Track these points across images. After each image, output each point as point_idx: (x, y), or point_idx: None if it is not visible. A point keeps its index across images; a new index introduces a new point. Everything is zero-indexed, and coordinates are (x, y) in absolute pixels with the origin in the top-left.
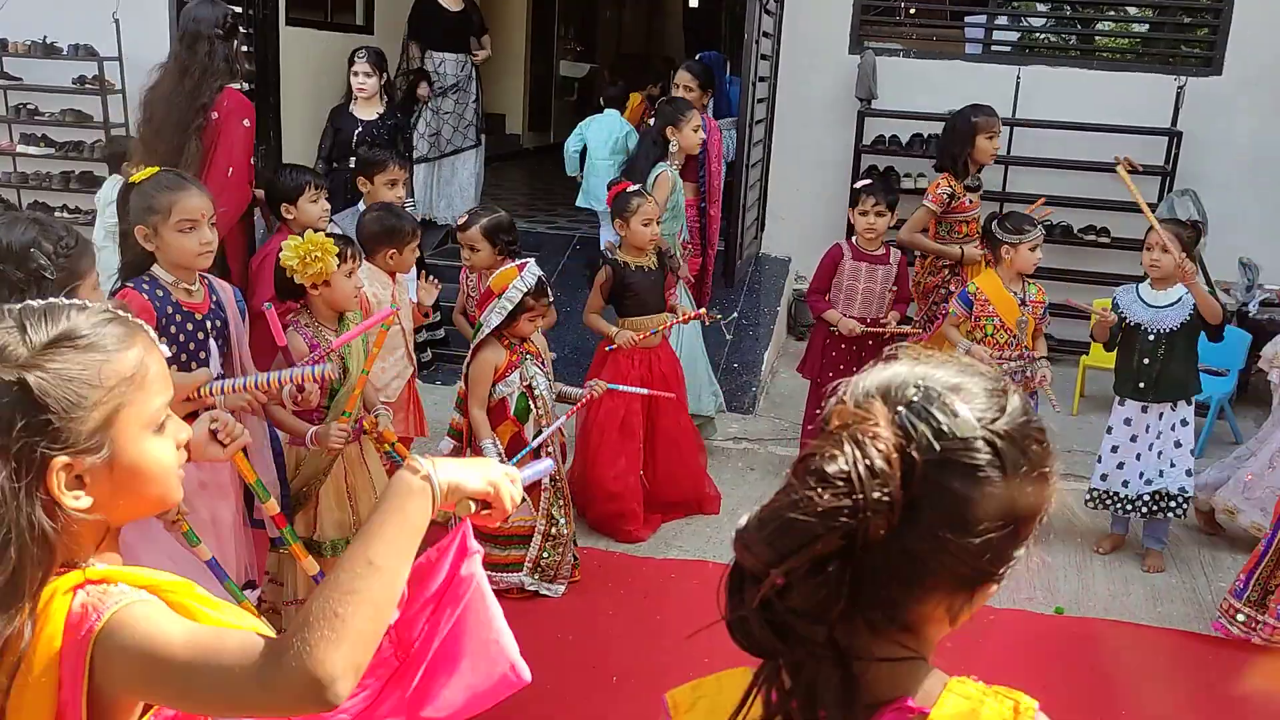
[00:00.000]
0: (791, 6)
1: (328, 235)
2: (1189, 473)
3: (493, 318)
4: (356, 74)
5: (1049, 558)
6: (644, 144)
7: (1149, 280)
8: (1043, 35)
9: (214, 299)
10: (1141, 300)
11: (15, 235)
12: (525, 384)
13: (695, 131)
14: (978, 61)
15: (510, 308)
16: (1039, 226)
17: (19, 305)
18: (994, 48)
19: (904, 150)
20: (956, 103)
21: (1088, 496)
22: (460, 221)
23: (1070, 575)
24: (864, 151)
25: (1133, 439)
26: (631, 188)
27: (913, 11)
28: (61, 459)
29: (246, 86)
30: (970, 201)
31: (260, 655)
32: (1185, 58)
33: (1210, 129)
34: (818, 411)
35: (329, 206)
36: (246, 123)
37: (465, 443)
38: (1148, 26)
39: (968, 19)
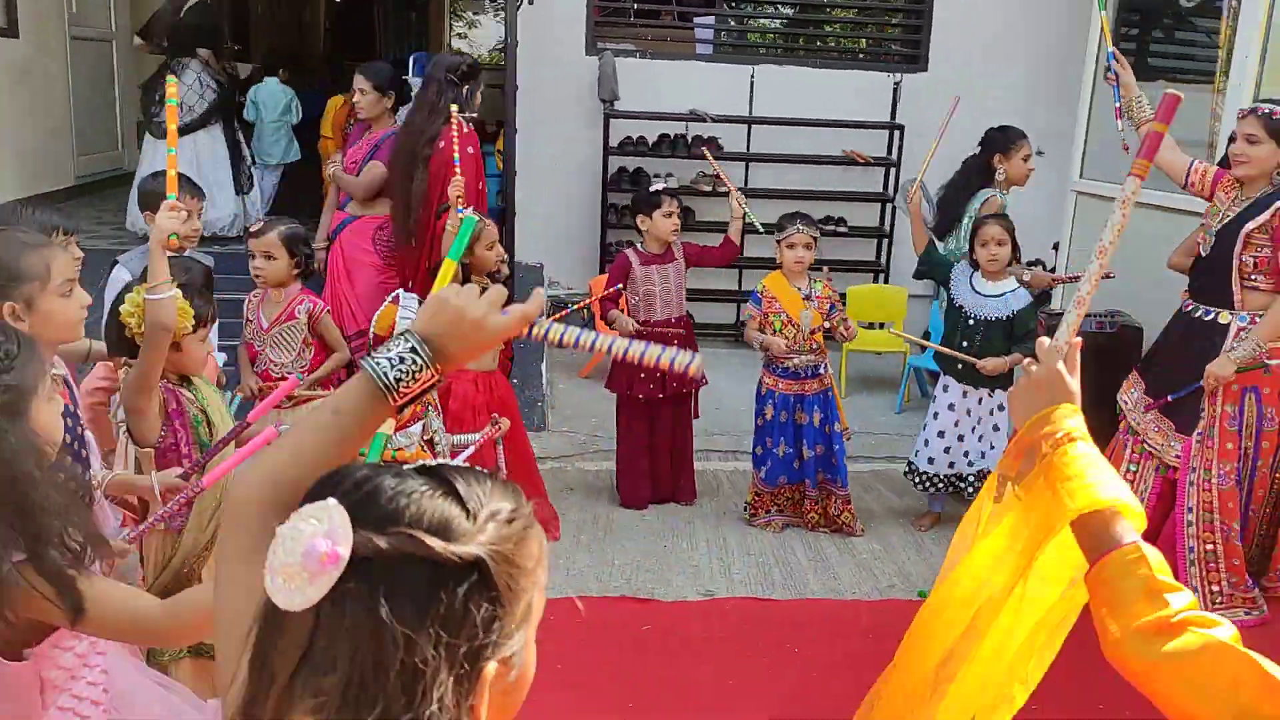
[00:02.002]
0: (527, 8)
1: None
2: None
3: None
4: None
5: (878, 544)
6: (966, 170)
7: (981, 271)
8: (768, 35)
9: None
10: (971, 286)
11: None
12: (426, 437)
13: (1025, 161)
14: (711, 61)
15: None
16: (797, 225)
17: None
18: (725, 48)
19: (651, 151)
20: (695, 102)
21: (908, 471)
22: (254, 228)
23: (912, 557)
24: (612, 153)
25: (955, 422)
26: (468, 211)
27: (638, 10)
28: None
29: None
30: None
31: None
32: (897, 56)
33: (925, 121)
34: (631, 424)
35: (81, 254)
36: (470, 150)
37: None
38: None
39: (696, 20)
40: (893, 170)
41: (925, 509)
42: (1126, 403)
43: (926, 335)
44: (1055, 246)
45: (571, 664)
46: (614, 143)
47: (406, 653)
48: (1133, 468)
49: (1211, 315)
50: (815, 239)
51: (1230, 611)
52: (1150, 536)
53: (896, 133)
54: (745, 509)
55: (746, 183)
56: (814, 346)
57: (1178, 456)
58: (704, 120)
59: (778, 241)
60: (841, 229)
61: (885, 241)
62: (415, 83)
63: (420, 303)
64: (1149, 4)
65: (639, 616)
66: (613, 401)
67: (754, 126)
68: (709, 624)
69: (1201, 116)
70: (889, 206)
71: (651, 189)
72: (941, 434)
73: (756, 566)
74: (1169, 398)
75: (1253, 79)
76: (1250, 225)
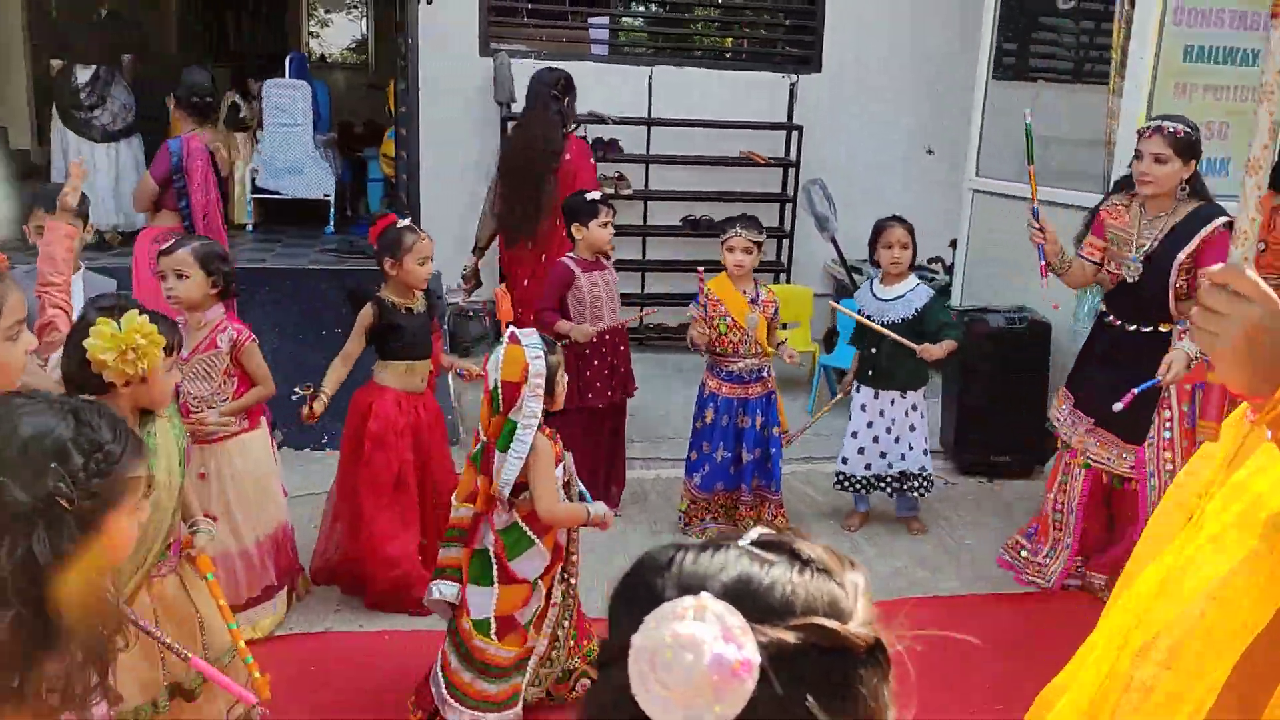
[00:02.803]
0: (423, 8)
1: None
2: (926, 453)
3: (533, 405)
4: None
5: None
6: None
7: (880, 276)
8: (663, 36)
9: None
10: (872, 293)
11: (35, 431)
12: (565, 479)
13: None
14: (608, 62)
15: (542, 383)
16: (737, 228)
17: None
18: (623, 49)
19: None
20: (593, 104)
21: (835, 480)
22: (164, 245)
23: (913, 566)
24: None
25: (869, 424)
26: (401, 222)
27: (531, 10)
28: None
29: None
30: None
31: None
32: (792, 58)
33: (821, 121)
34: (570, 434)
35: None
36: (591, 161)
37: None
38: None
39: (590, 20)
40: (791, 170)
41: (851, 508)
42: (1059, 419)
43: (833, 334)
44: (953, 244)
45: None
46: None
47: None
48: (1064, 478)
49: (1150, 328)
50: (758, 243)
51: None
52: (1092, 535)
53: (795, 133)
54: (680, 518)
55: (647, 184)
56: (758, 350)
57: (1131, 467)
58: (604, 122)
59: (721, 243)
60: None
61: (786, 241)
62: (296, 84)
63: (542, 339)
64: (1034, 5)
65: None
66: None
67: (653, 128)
68: None
69: (1099, 116)
70: (788, 206)
71: (588, 197)
72: (855, 434)
73: None
74: (1135, 390)
75: (1148, 79)
76: (1181, 256)
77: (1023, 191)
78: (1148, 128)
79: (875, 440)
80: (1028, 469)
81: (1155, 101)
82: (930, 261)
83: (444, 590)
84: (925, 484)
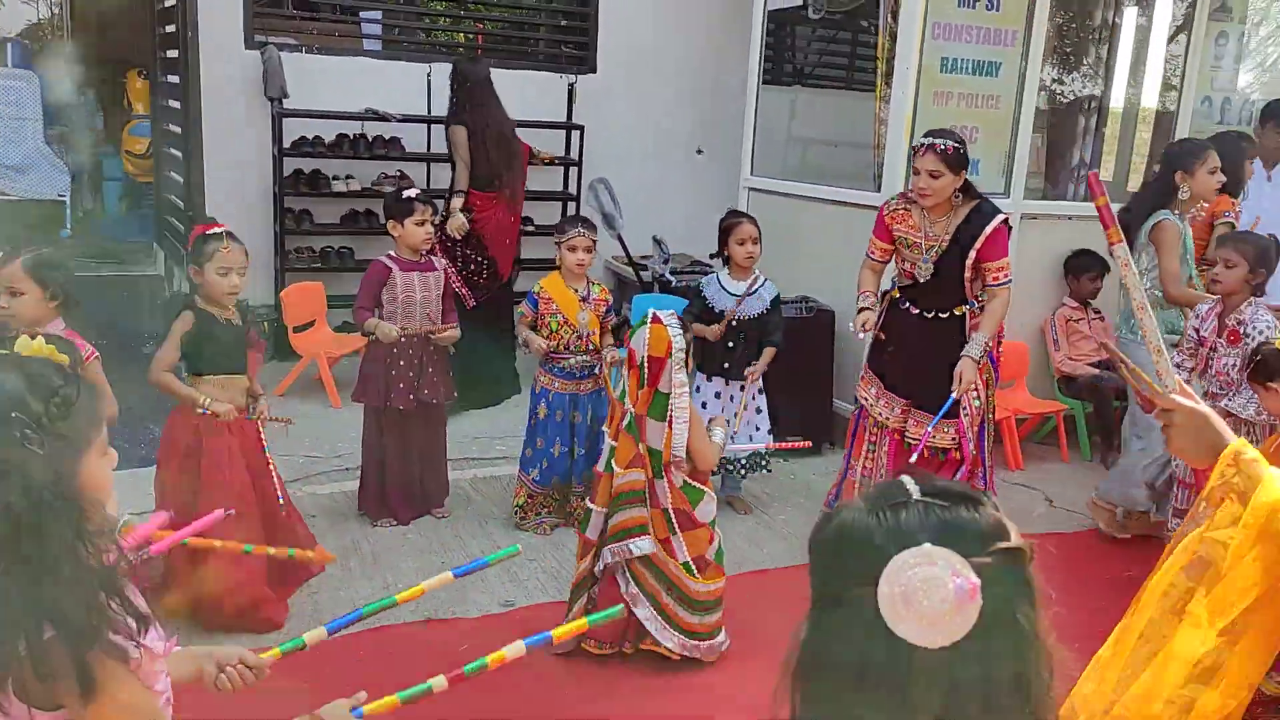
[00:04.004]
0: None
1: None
2: (770, 433)
3: (680, 377)
4: None
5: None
6: (1146, 191)
7: (729, 270)
8: (437, 34)
9: None
10: (724, 289)
11: None
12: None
13: (1212, 174)
14: (385, 59)
15: (684, 357)
16: (579, 228)
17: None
18: (400, 45)
19: (329, 151)
20: (370, 101)
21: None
22: None
23: (741, 543)
24: (287, 155)
25: (722, 411)
26: (212, 230)
27: (297, 1)
28: None
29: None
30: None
31: None
32: (567, 58)
33: (600, 121)
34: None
35: None
36: None
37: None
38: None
39: (362, 15)
40: (573, 170)
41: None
42: (867, 399)
43: (626, 324)
44: None
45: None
46: (287, 143)
47: (1036, 650)
48: (871, 446)
49: (946, 314)
50: (595, 241)
51: None
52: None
53: (575, 133)
54: (515, 513)
55: (429, 184)
56: (590, 347)
57: (953, 439)
58: (386, 120)
59: (558, 244)
60: (529, 228)
61: None
62: (20, 73)
63: (680, 322)
64: (798, 16)
65: (454, 637)
66: (321, 419)
67: (434, 126)
68: (528, 633)
69: (867, 120)
70: (570, 205)
71: (405, 194)
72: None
73: (545, 571)
74: (939, 414)
75: (912, 88)
76: (971, 254)
77: (794, 189)
78: (921, 145)
79: (727, 422)
80: (818, 449)
81: (919, 107)
82: (712, 257)
83: (642, 545)
84: (766, 465)
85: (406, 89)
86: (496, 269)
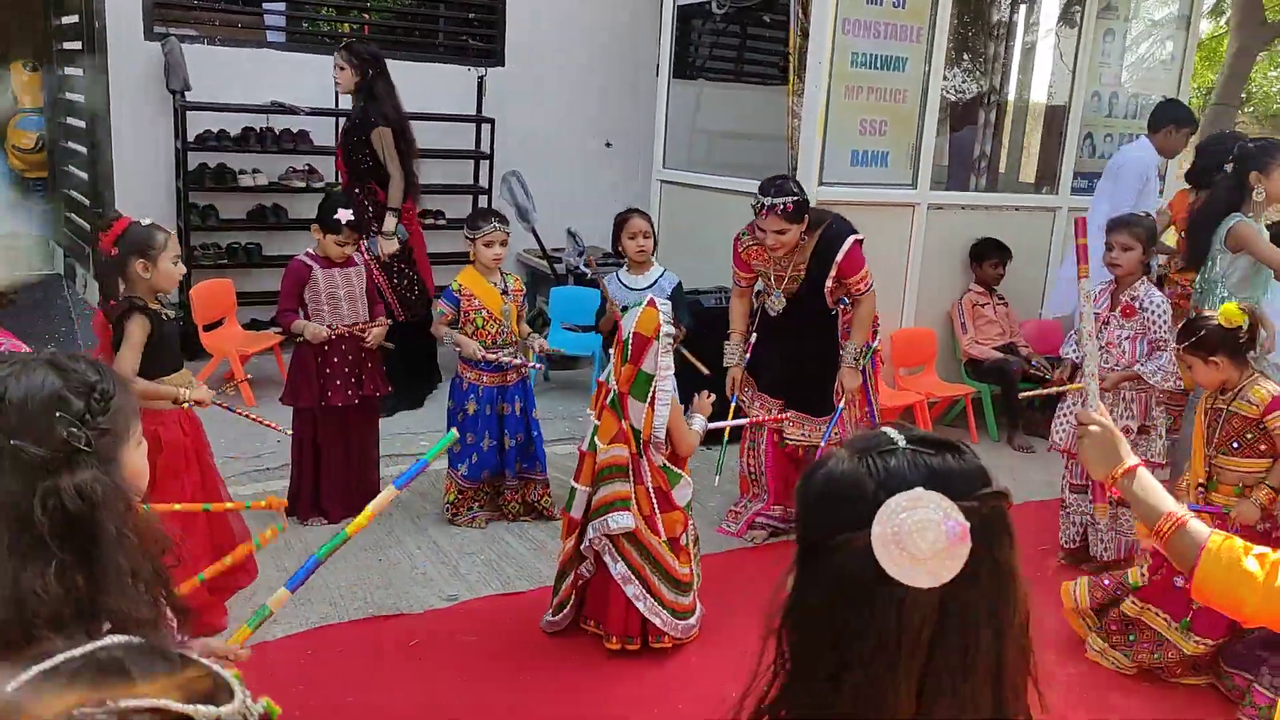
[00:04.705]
0: None
1: None
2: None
3: (665, 360)
4: None
5: None
6: (1217, 193)
7: (627, 265)
8: (343, 25)
9: None
10: (623, 284)
11: (27, 390)
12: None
13: None
14: (291, 51)
15: (671, 342)
16: (493, 222)
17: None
18: (306, 37)
19: (235, 145)
20: (276, 94)
21: None
22: None
23: None
24: (190, 149)
25: None
26: (146, 220)
27: None
28: None
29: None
30: None
31: None
32: (476, 51)
33: (510, 114)
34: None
35: None
36: None
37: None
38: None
39: (265, 5)
40: (484, 162)
41: None
42: (744, 401)
43: (541, 316)
44: None
45: (371, 687)
46: (191, 137)
47: (1016, 590)
48: (752, 444)
49: (812, 323)
50: (508, 235)
51: None
52: (786, 488)
53: (486, 126)
54: (447, 509)
55: (337, 178)
56: (514, 339)
57: (833, 439)
58: (294, 113)
59: (472, 239)
60: (441, 222)
61: None
62: None
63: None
64: (703, 12)
65: (402, 633)
66: (237, 424)
67: (341, 119)
68: (477, 625)
69: (775, 114)
70: (482, 198)
71: (337, 216)
72: None
73: (484, 564)
74: (826, 431)
75: (825, 82)
76: (829, 282)
77: (709, 181)
78: (762, 206)
79: None
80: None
81: (831, 101)
82: (605, 255)
83: (621, 520)
84: None
85: (313, 81)
86: (425, 286)
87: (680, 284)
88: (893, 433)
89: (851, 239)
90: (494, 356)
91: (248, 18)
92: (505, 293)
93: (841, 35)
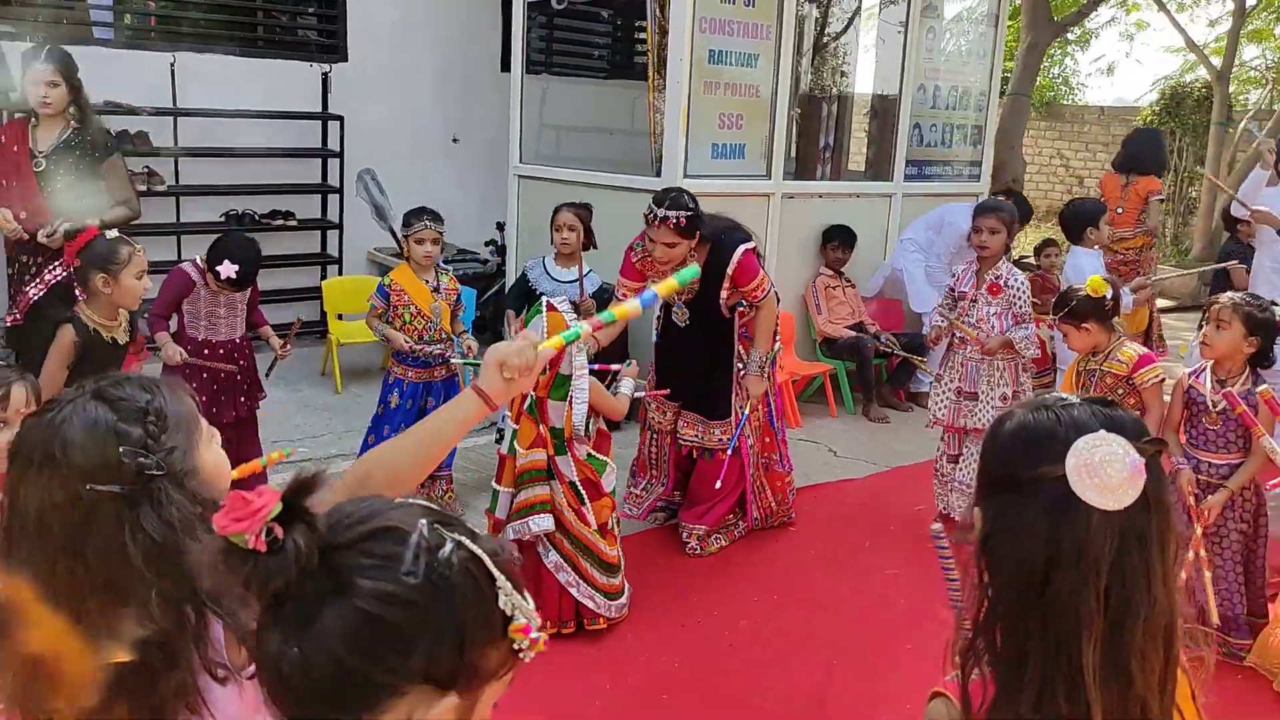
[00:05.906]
0: None
1: None
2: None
3: (580, 359)
4: None
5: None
6: None
7: (554, 257)
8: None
9: None
10: (548, 274)
11: (84, 432)
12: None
13: None
14: (123, 48)
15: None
16: (425, 221)
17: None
18: (138, 33)
19: None
20: (109, 93)
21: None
22: None
23: None
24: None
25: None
26: (111, 234)
27: None
28: None
29: None
30: None
31: None
32: (318, 46)
33: (357, 111)
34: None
35: None
36: None
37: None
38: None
39: (91, 0)
40: (334, 161)
41: None
42: (650, 403)
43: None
44: (500, 226)
45: None
46: None
47: (1172, 522)
48: (653, 448)
49: (710, 329)
50: (442, 234)
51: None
52: (681, 477)
53: (335, 123)
54: None
55: (178, 180)
56: (443, 336)
57: (721, 439)
58: (134, 113)
59: (405, 237)
60: (291, 222)
61: (335, 233)
62: None
63: (570, 303)
64: (549, 7)
65: None
66: None
67: (181, 119)
68: None
69: (631, 108)
70: (332, 198)
71: (218, 268)
72: None
73: None
74: (735, 433)
75: (685, 78)
76: (724, 293)
77: (570, 176)
78: (655, 218)
79: None
80: (617, 427)
81: (692, 96)
82: (486, 244)
83: (540, 523)
84: None
85: (149, 81)
86: None
87: (603, 285)
88: (1064, 395)
89: (742, 248)
90: (419, 349)
91: (74, 14)
92: (437, 290)
93: (699, 33)
